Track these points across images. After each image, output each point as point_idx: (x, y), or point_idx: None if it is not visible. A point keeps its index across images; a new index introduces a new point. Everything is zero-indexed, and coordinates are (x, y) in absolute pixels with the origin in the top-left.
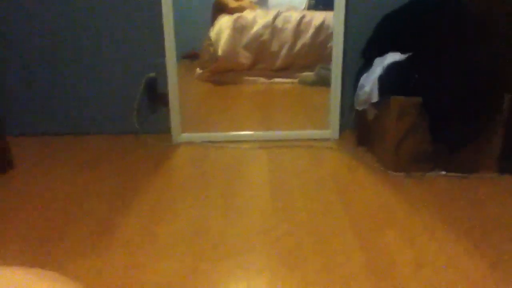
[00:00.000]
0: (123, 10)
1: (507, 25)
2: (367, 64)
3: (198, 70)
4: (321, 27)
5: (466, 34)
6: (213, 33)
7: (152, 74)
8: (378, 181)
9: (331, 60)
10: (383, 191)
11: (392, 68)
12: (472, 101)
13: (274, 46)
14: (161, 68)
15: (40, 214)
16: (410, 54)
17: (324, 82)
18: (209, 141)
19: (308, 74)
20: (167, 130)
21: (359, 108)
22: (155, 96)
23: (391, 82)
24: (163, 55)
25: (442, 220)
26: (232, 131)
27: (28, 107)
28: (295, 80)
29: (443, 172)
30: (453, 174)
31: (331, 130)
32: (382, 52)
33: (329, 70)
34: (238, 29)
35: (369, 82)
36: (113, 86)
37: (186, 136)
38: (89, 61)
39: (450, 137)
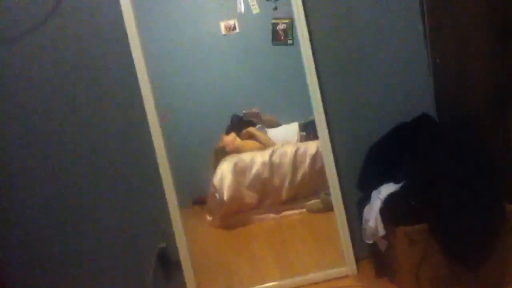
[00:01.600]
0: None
1: (484, 135)
2: (365, 196)
3: (208, 217)
4: (316, 155)
5: (451, 152)
6: (215, 180)
7: (163, 245)
8: None
9: None
10: None
11: (389, 200)
12: (475, 215)
13: (276, 181)
14: (171, 236)
15: None
16: (403, 183)
17: (331, 207)
18: None
19: (315, 202)
20: None
21: (368, 241)
22: (168, 265)
23: (392, 214)
24: (169, 225)
25: None
26: (250, 285)
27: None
28: (303, 210)
29: None
30: None
31: (348, 266)
32: (376, 184)
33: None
34: (239, 172)
35: (372, 216)
36: (121, 261)
37: None
38: (101, 243)
39: (463, 255)
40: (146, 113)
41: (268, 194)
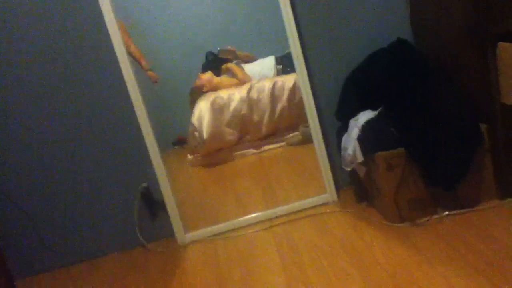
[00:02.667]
0: (100, 132)
1: (461, 57)
2: (343, 124)
3: (189, 156)
4: (294, 89)
5: (426, 77)
6: (194, 119)
7: (145, 184)
8: (386, 236)
9: None
10: (393, 246)
11: (367, 127)
12: (454, 137)
13: (255, 117)
14: (153, 176)
15: None
16: (381, 109)
17: (310, 139)
18: (215, 235)
19: (295, 135)
20: (171, 233)
21: (347, 168)
22: (152, 204)
23: (370, 140)
24: (150, 166)
25: (455, 264)
26: (235, 217)
27: (28, 245)
28: (283, 144)
29: (446, 213)
30: (456, 212)
31: (329, 194)
32: (353, 112)
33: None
34: (218, 110)
35: (350, 143)
36: (109, 205)
37: (191, 235)
38: (84, 186)
39: (443, 177)
40: (117, 56)
41: (247, 130)
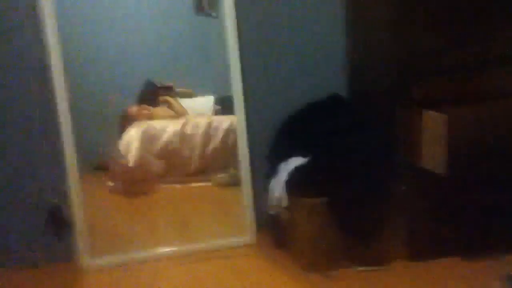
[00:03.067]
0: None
1: (388, 120)
2: (273, 169)
3: (110, 183)
4: (229, 131)
5: (355, 133)
6: (122, 145)
7: (55, 200)
8: (297, 284)
9: None
10: None
11: (296, 172)
12: (373, 193)
13: (186, 152)
14: (64, 193)
15: None
16: (311, 157)
17: (238, 183)
18: (123, 263)
19: (223, 176)
20: (75, 257)
21: (272, 212)
22: (60, 222)
23: (297, 186)
24: (65, 183)
25: None
26: (148, 249)
27: None
28: (210, 183)
29: (358, 268)
30: (368, 268)
31: (249, 236)
32: (285, 157)
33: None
34: (148, 139)
35: (278, 187)
36: (14, 217)
37: (96, 261)
38: None
39: (359, 229)
40: (50, 62)
41: (176, 164)
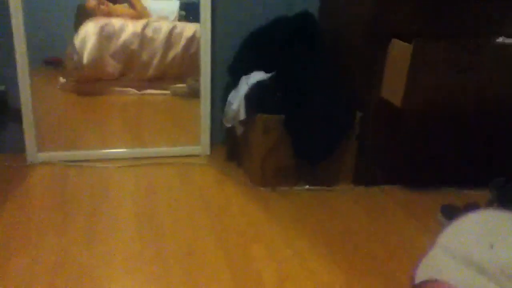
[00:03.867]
0: None
1: (355, 46)
2: (234, 81)
3: (61, 80)
4: (192, 39)
5: (320, 55)
6: (77, 40)
7: (1, 87)
8: (246, 196)
9: None
10: (250, 206)
11: (256, 87)
12: (328, 118)
13: (144, 56)
14: (13, 80)
15: None
16: (273, 73)
17: (196, 94)
18: (71, 161)
19: (180, 86)
20: (21, 149)
21: (228, 125)
22: (6, 111)
23: (256, 100)
24: (13, 68)
25: (304, 233)
26: (98, 149)
27: None
28: (167, 92)
29: (306, 186)
30: (315, 187)
31: (202, 146)
32: (247, 70)
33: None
34: (105, 37)
35: (236, 100)
36: None
37: (43, 155)
38: None
39: (309, 152)
40: None
41: (133, 67)
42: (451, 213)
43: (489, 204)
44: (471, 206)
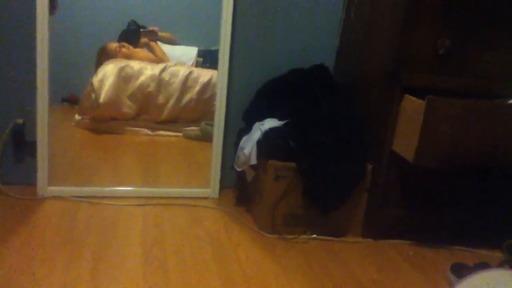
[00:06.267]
0: None
1: (369, 100)
2: (247, 127)
3: (77, 117)
4: (208, 84)
5: (334, 105)
6: (96, 80)
7: (19, 120)
8: (254, 242)
9: None
10: (257, 252)
11: (270, 133)
12: (340, 166)
13: (160, 99)
14: (31, 114)
15: None
16: (286, 121)
17: (208, 138)
18: (81, 196)
19: (193, 129)
20: (33, 182)
21: (239, 169)
22: (22, 144)
23: (268, 146)
24: (32, 102)
25: (310, 283)
26: (108, 186)
27: None
28: (180, 134)
29: (314, 236)
30: (323, 237)
31: (211, 189)
32: (261, 117)
33: (213, 126)
34: (123, 78)
35: (249, 145)
36: None
37: (54, 189)
38: None
39: (320, 201)
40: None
41: (148, 109)
42: (461, 271)
43: (501, 264)
44: (482, 266)
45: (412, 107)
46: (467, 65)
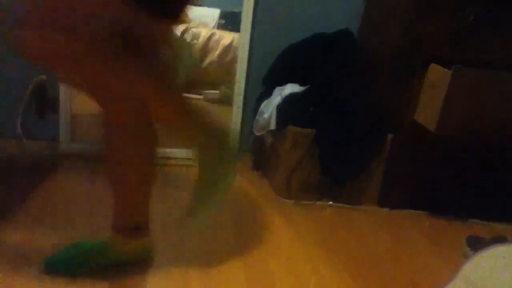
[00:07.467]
0: None
1: (392, 68)
2: (267, 91)
3: None
4: (229, 47)
5: (357, 73)
6: None
7: (42, 77)
8: (268, 207)
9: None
10: (272, 217)
11: (290, 99)
12: (359, 138)
13: None
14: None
15: None
16: (307, 87)
17: (228, 101)
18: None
19: (213, 92)
20: (56, 138)
21: (257, 133)
22: (44, 100)
23: (288, 112)
24: None
25: (325, 250)
26: None
27: None
28: (201, 97)
29: (330, 203)
30: (339, 205)
31: None
32: (282, 82)
33: (233, 89)
34: None
35: (268, 109)
36: None
37: (76, 145)
38: None
39: (337, 170)
40: None
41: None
42: (477, 244)
43: None
44: (499, 240)
45: (437, 77)
46: (492, 38)
